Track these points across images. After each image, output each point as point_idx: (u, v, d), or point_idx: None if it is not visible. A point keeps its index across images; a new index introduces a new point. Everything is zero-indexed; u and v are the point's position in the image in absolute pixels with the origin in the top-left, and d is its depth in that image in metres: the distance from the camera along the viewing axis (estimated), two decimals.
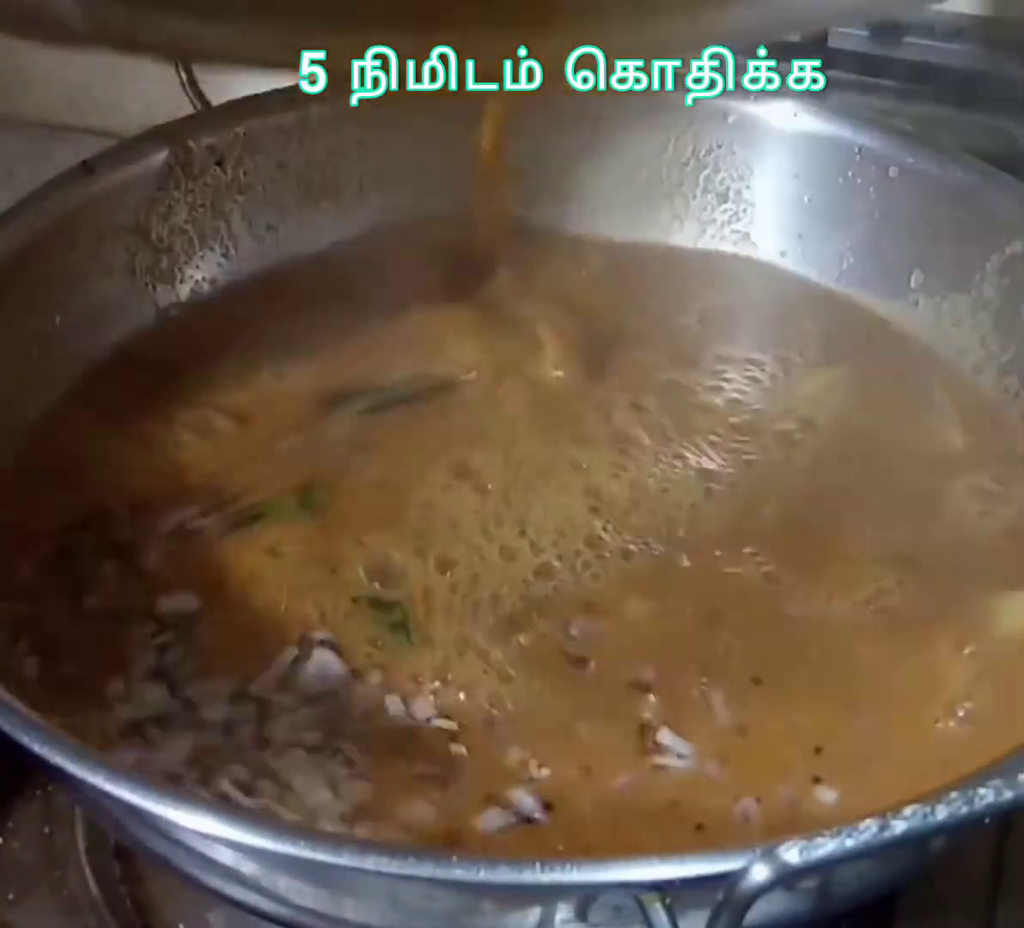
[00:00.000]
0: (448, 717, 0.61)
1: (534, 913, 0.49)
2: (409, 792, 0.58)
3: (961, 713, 0.61)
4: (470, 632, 0.64)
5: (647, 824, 0.58)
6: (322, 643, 0.64)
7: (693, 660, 0.63)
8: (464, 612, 0.65)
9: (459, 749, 0.60)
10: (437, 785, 0.59)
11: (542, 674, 0.63)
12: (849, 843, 0.43)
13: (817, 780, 0.59)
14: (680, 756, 0.60)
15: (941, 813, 0.43)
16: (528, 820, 0.58)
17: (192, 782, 0.58)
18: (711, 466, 0.71)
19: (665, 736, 0.60)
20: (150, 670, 0.63)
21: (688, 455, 0.72)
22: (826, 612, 0.65)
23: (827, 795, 0.59)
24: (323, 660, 0.63)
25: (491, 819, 0.58)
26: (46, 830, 0.67)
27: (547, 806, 0.58)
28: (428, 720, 0.61)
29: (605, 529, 0.68)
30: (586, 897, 0.48)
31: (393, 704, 0.62)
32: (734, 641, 0.64)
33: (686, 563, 0.67)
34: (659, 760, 0.60)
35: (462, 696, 0.62)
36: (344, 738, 0.60)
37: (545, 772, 0.59)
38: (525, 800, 0.58)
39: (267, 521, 0.69)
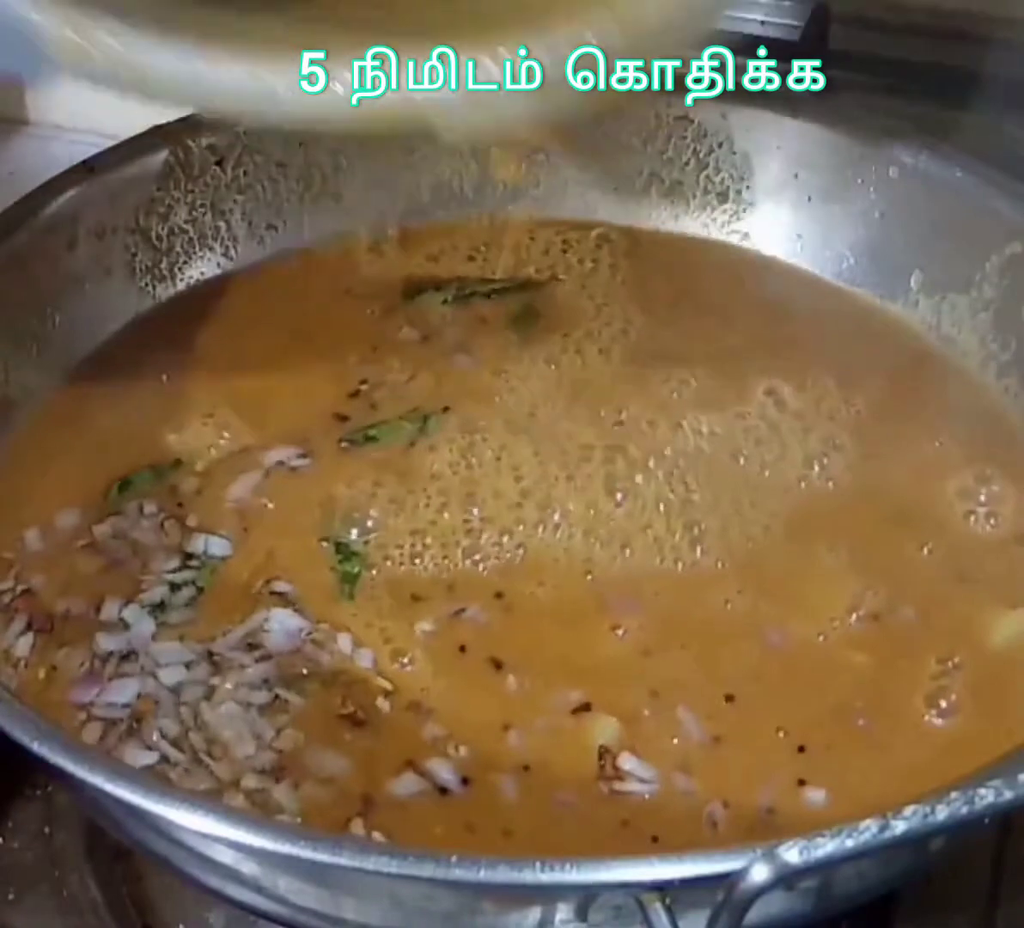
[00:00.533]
0: (384, 677, 0.62)
1: (534, 913, 0.49)
2: (330, 744, 0.59)
3: (945, 706, 0.61)
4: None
5: (595, 827, 0.57)
6: (277, 595, 0.65)
7: (652, 682, 0.62)
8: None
9: (386, 705, 0.61)
10: (360, 736, 0.60)
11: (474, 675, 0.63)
12: (849, 843, 0.43)
13: (802, 782, 0.59)
14: (643, 781, 0.59)
15: (941, 813, 0.43)
16: (443, 790, 0.58)
17: (122, 732, 0.60)
18: (690, 477, 0.70)
19: (627, 761, 0.59)
20: (153, 604, 0.64)
21: (668, 463, 0.71)
22: (802, 627, 0.64)
23: (815, 795, 0.58)
24: (283, 621, 0.64)
25: (405, 784, 0.58)
26: (46, 830, 0.68)
27: (464, 780, 0.58)
28: (369, 669, 0.62)
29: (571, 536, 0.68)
30: (586, 897, 0.48)
31: (343, 642, 0.63)
32: (700, 661, 0.63)
33: (649, 581, 0.66)
34: (619, 786, 0.59)
35: (398, 667, 0.63)
36: (283, 685, 0.61)
37: (464, 751, 0.59)
38: (442, 771, 0.59)
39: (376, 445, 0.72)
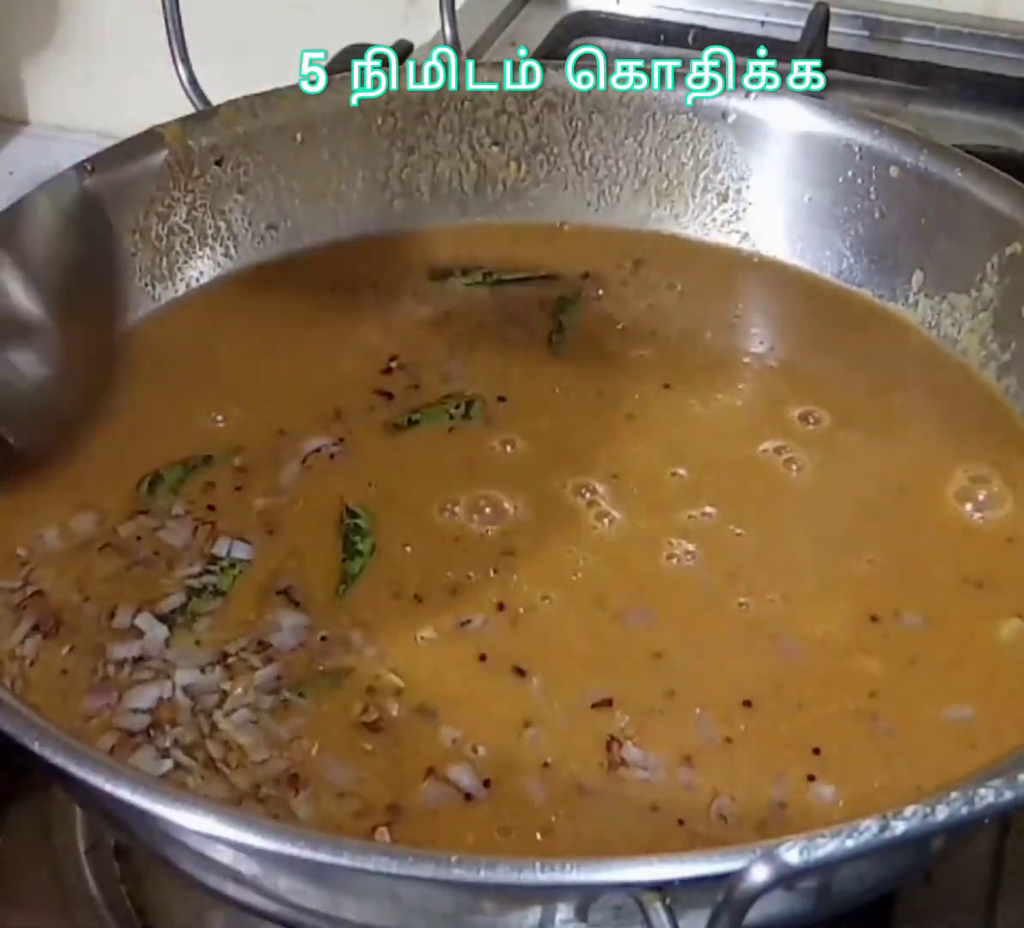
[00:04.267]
0: (397, 674, 0.62)
1: (534, 913, 0.49)
2: (347, 754, 0.59)
3: (958, 707, 0.61)
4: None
5: (619, 817, 0.58)
6: (284, 593, 0.65)
7: (668, 683, 0.62)
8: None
9: (399, 708, 0.61)
10: (378, 744, 0.59)
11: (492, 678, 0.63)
12: (849, 843, 0.43)
13: (812, 778, 0.59)
14: (645, 769, 0.59)
15: (941, 813, 0.43)
16: (467, 796, 0.58)
17: (140, 740, 0.59)
18: (694, 481, 0.71)
19: (630, 751, 0.59)
20: (170, 610, 0.64)
21: (675, 468, 0.71)
22: (815, 633, 0.64)
23: (825, 790, 0.58)
24: (290, 620, 0.64)
25: (429, 793, 0.58)
26: (46, 830, 0.67)
27: (486, 783, 0.58)
28: (379, 668, 0.62)
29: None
30: (586, 897, 0.48)
31: (353, 640, 0.63)
32: (717, 666, 0.63)
33: (664, 587, 0.66)
34: (624, 773, 0.59)
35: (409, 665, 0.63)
36: (293, 687, 0.61)
37: (483, 751, 0.59)
38: (463, 777, 0.58)
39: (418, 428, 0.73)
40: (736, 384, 0.76)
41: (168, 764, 0.59)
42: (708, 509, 0.69)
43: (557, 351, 0.78)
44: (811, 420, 0.74)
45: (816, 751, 0.60)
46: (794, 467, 0.72)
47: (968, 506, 0.70)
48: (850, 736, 0.60)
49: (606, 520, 0.69)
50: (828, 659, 0.63)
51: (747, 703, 0.61)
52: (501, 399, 0.75)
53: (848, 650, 0.64)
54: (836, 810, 0.57)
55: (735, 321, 0.81)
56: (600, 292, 0.82)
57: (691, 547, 0.67)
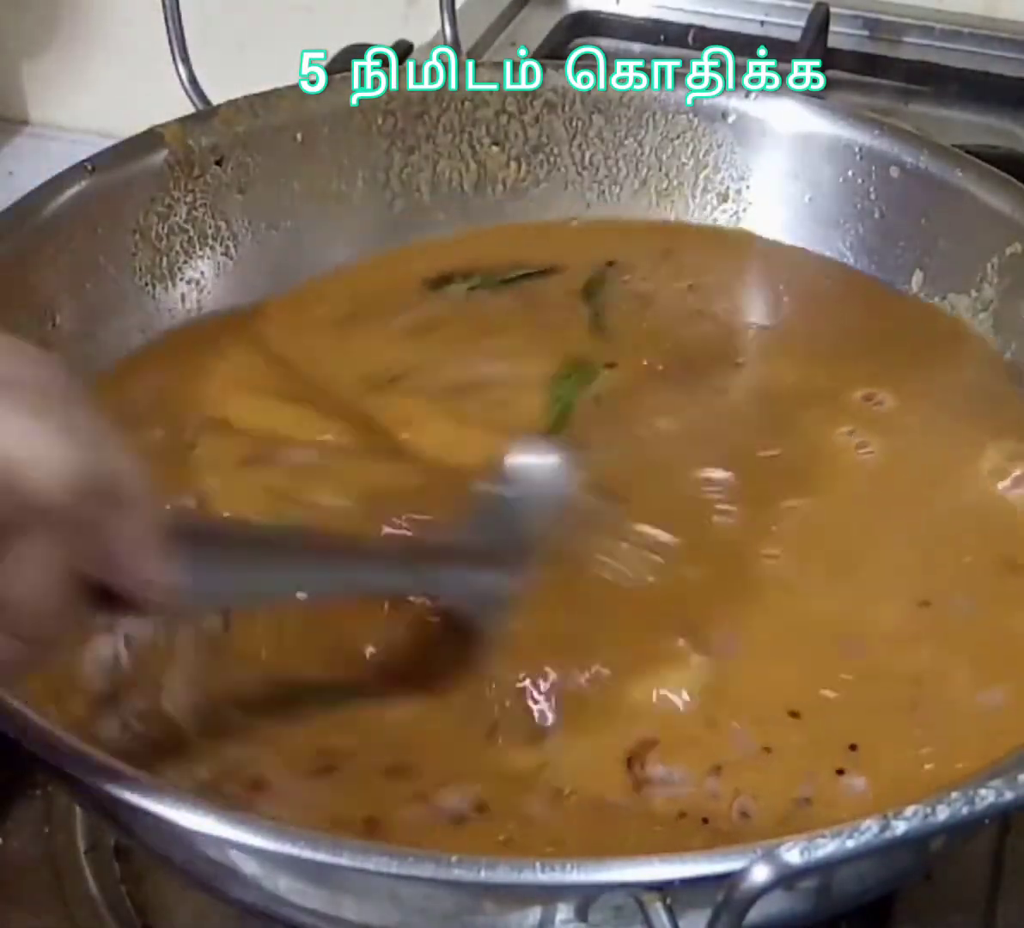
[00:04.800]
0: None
1: (534, 913, 0.49)
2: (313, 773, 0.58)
3: (995, 700, 0.61)
4: None
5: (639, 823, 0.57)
6: None
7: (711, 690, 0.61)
8: None
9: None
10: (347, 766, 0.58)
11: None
12: (850, 843, 0.43)
13: (841, 772, 0.58)
14: (671, 784, 0.57)
15: (942, 814, 0.43)
16: (459, 819, 0.56)
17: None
18: (719, 473, 0.70)
19: (657, 769, 0.58)
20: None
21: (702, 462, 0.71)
22: (860, 625, 0.63)
23: (856, 782, 0.58)
24: None
25: (412, 812, 0.56)
26: (46, 830, 0.67)
27: (480, 808, 0.56)
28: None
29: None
30: (586, 897, 0.48)
31: None
32: (764, 668, 0.62)
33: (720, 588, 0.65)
34: (648, 791, 0.57)
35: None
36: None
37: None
38: (451, 798, 0.57)
39: None
40: (737, 392, 0.76)
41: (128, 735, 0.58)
42: (793, 501, 0.68)
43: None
44: (875, 401, 0.74)
45: (853, 747, 0.59)
46: (862, 451, 0.71)
47: (1004, 485, 0.69)
48: (888, 729, 0.59)
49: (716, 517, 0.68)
50: (877, 653, 0.62)
51: (794, 713, 0.60)
52: None
53: (897, 640, 0.62)
54: (866, 802, 0.56)
55: (731, 323, 0.81)
56: (626, 277, 0.82)
57: (777, 551, 0.66)
